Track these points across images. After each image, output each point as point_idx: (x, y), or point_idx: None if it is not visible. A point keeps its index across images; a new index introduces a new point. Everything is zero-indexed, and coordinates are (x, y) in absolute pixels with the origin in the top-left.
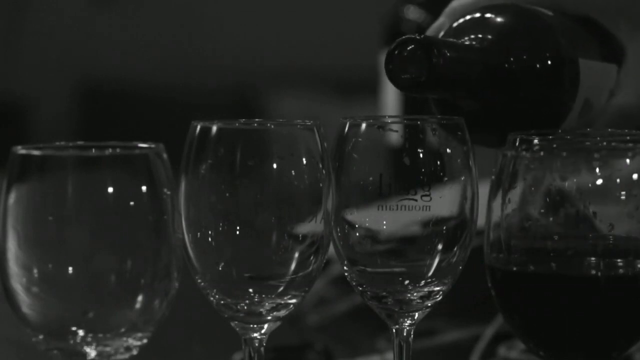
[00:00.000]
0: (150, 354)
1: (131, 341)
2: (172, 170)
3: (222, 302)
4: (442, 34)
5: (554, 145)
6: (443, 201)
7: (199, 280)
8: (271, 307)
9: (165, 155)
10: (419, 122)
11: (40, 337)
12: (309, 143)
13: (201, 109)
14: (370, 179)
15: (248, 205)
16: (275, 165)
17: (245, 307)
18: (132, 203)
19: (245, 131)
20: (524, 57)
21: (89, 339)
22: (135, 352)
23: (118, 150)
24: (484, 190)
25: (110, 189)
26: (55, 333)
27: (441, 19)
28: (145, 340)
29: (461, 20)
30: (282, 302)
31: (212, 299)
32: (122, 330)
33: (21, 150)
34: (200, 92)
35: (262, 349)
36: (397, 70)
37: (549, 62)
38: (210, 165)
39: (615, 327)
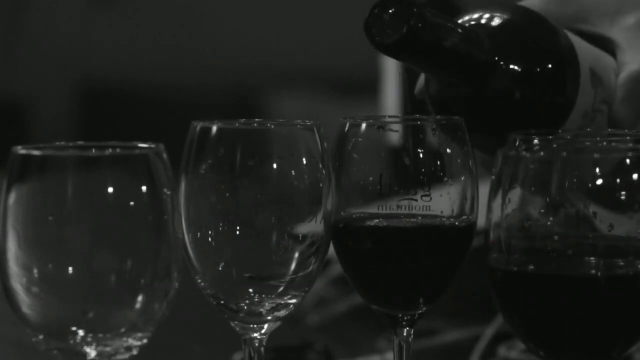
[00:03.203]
0: (150, 354)
1: (131, 341)
2: (172, 170)
3: (222, 302)
4: None
5: (554, 145)
6: (443, 201)
7: (199, 280)
8: (271, 307)
9: (165, 155)
10: (419, 122)
11: (40, 337)
12: (309, 143)
13: (201, 109)
14: (370, 179)
15: (248, 205)
16: (275, 165)
17: (245, 307)
18: (132, 203)
19: (245, 131)
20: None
21: (89, 339)
22: (135, 352)
23: (118, 150)
24: (484, 190)
25: (110, 189)
26: (55, 333)
27: None
28: (145, 340)
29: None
30: (282, 302)
31: (212, 299)
32: (122, 330)
33: (21, 150)
34: (200, 92)
35: (262, 349)
36: (376, 29)
37: (535, 43)
38: (210, 165)
39: (615, 327)
